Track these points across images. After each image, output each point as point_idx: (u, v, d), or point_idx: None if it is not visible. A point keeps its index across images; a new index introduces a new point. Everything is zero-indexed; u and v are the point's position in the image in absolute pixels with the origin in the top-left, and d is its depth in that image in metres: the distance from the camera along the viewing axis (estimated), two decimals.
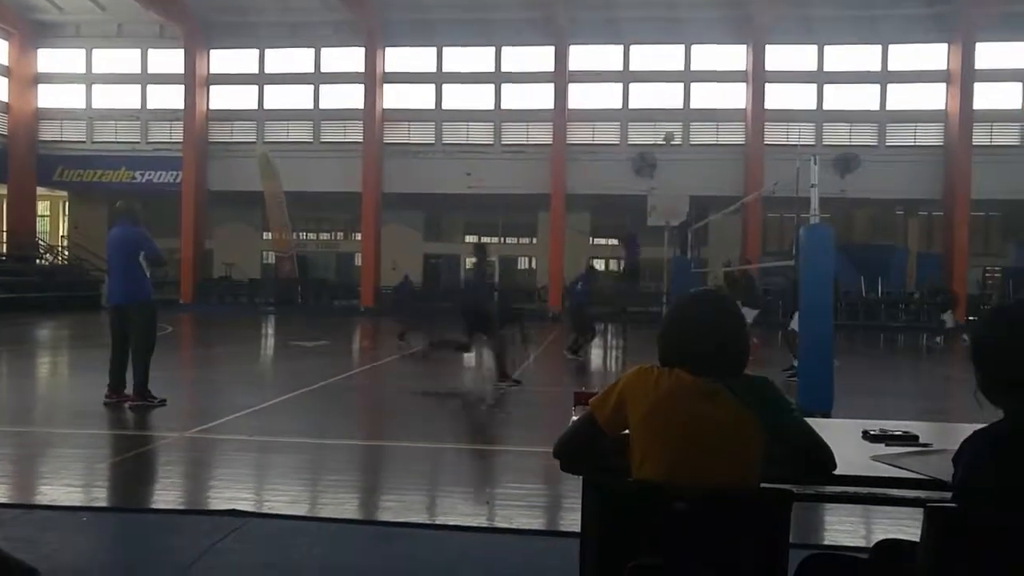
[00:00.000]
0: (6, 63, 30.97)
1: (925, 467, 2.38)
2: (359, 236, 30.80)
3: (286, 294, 30.24)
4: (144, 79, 31.58)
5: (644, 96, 29.52)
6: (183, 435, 7.03)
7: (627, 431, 2.23)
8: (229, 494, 5.17)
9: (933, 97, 28.50)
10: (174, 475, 6.02)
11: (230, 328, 22.06)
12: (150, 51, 31.45)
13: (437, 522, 4.74)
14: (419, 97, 30.39)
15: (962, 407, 9.70)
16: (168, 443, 6.85)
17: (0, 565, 1.55)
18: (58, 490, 5.31)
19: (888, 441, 2.75)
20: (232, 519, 4.45)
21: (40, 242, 33.41)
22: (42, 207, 34.95)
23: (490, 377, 10.61)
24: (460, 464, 6.47)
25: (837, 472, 2.26)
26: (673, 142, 27.98)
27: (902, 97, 28.75)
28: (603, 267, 30.34)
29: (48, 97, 31.97)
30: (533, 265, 34.20)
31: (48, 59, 31.86)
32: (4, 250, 31.34)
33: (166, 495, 5.45)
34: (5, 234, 31.90)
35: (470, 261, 14.72)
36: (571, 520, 4.40)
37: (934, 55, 28.40)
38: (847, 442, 2.66)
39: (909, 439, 2.76)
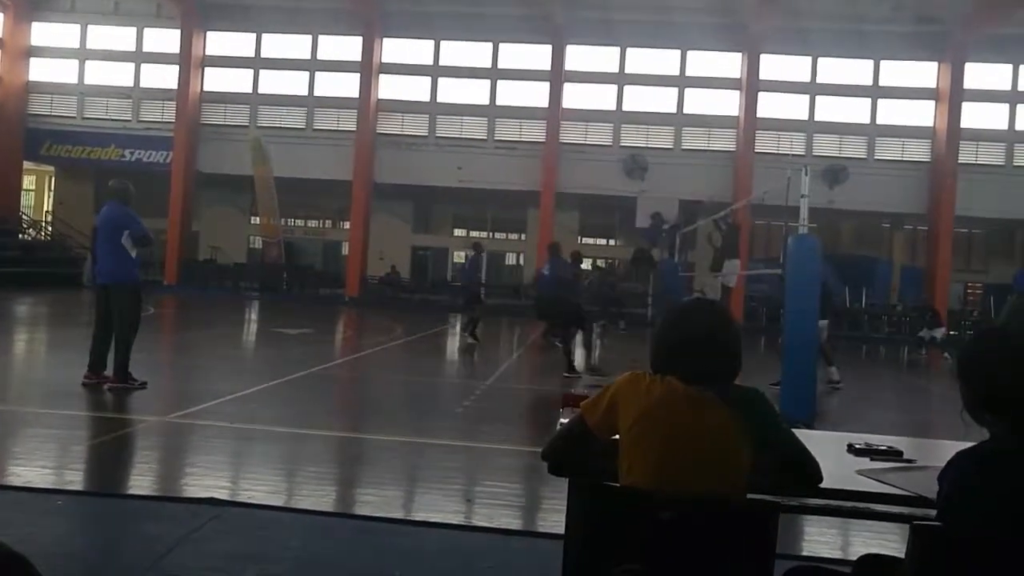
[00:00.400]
0: (0, 35, 30.67)
1: (909, 483, 2.39)
2: (347, 225, 30.71)
3: (271, 280, 30.09)
4: (138, 57, 31.29)
5: (638, 99, 29.54)
6: (162, 420, 6.98)
7: (617, 436, 2.23)
8: (207, 482, 5.13)
9: (922, 114, 28.72)
10: (152, 460, 5.97)
11: (213, 312, 21.93)
12: (146, 30, 31.18)
13: (416, 518, 4.72)
14: (414, 89, 30.30)
15: (944, 421, 9.78)
16: (147, 427, 6.79)
17: None
18: (32, 471, 5.20)
19: (873, 456, 2.76)
20: (210, 507, 4.41)
21: (24, 216, 33.08)
22: (27, 181, 34.57)
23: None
24: (442, 460, 6.45)
25: (822, 485, 2.26)
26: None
27: (892, 112, 28.94)
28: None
29: (40, 71, 31.61)
30: (521, 261, 34.20)
31: (42, 32, 31.48)
32: None
33: (143, 481, 5.40)
34: None
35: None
36: (553, 521, 4.40)
37: (924, 73, 28.61)
38: (832, 455, 2.67)
39: (893, 454, 2.78)
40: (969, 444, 1.90)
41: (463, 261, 15.85)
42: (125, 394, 7.84)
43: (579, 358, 11.98)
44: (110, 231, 8.11)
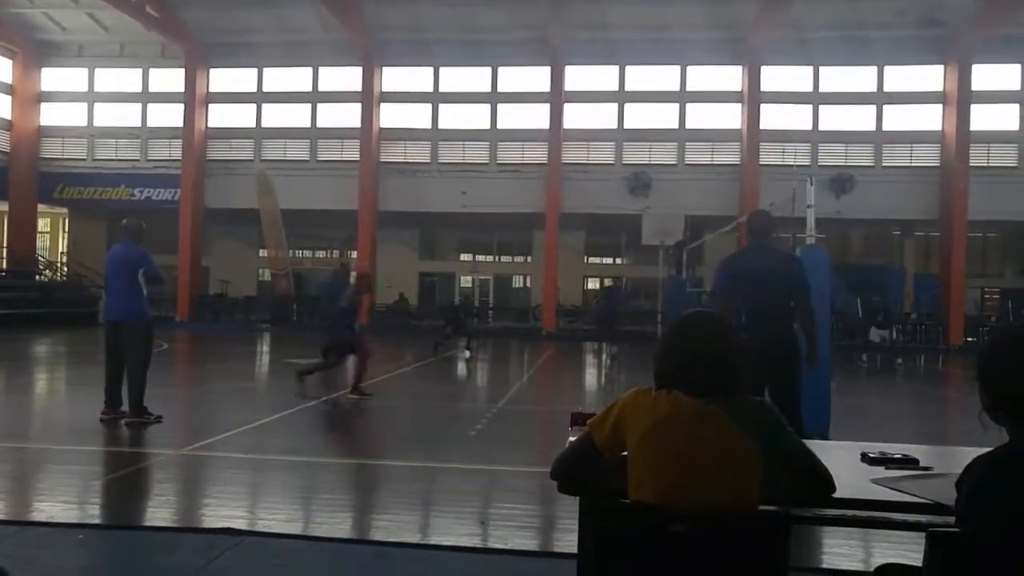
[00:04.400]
0: (9, 82, 31.12)
1: (926, 491, 2.37)
2: (355, 254, 30.82)
3: (282, 312, 30.16)
4: (145, 98, 31.71)
5: (639, 116, 29.62)
6: (179, 452, 7.00)
7: (625, 452, 2.22)
8: (224, 512, 5.15)
9: (929, 118, 28.60)
10: (169, 492, 5.98)
11: (225, 345, 21.99)
12: (151, 70, 31.61)
13: (432, 542, 4.72)
14: (415, 116, 30.50)
15: (959, 429, 9.70)
16: (164, 460, 6.81)
17: None
18: (55, 507, 5.27)
19: (888, 464, 2.74)
20: (228, 538, 4.43)
21: (40, 258, 33.38)
22: (42, 224, 34.92)
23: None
24: (456, 483, 6.43)
25: (837, 495, 2.25)
26: None
27: (898, 118, 28.85)
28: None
29: (50, 115, 32.07)
30: (528, 284, 34.21)
31: (51, 78, 31.99)
32: (4, 266, 31.27)
33: (161, 513, 5.41)
34: (5, 250, 31.86)
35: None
36: (567, 541, 4.38)
37: (930, 76, 28.53)
38: (846, 465, 2.65)
39: (909, 462, 2.76)
40: (986, 450, 1.88)
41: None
42: (142, 428, 7.91)
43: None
44: (124, 269, 8.23)
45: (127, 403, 8.15)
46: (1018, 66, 28.28)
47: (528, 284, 34.09)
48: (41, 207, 32.75)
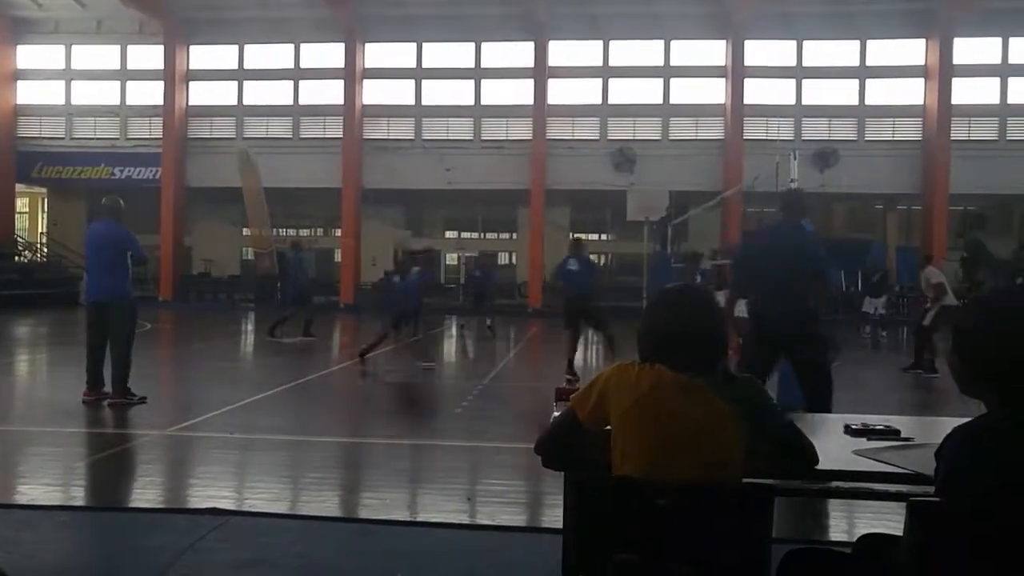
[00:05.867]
0: None
1: (907, 461, 2.39)
2: (339, 232, 30.69)
3: (266, 291, 30.02)
4: (124, 75, 31.28)
5: (624, 91, 29.52)
6: (163, 433, 6.98)
7: (608, 427, 2.22)
8: (209, 492, 5.14)
9: (911, 92, 28.67)
10: (154, 473, 5.97)
11: (210, 325, 21.92)
12: (130, 47, 31.12)
13: (418, 519, 4.74)
14: (399, 93, 30.28)
15: (941, 400, 9.80)
16: (148, 441, 6.80)
17: None
18: (37, 489, 5.27)
19: (870, 435, 2.76)
20: (213, 517, 4.42)
21: (19, 239, 33.03)
22: (21, 204, 34.56)
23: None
24: (441, 460, 6.45)
25: (819, 467, 2.26)
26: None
27: (881, 92, 28.90)
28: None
29: (27, 93, 31.58)
30: (514, 260, 34.18)
31: (27, 55, 31.46)
32: None
33: (146, 493, 5.41)
34: None
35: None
36: (553, 516, 4.40)
37: (912, 51, 28.56)
38: (829, 436, 2.67)
39: (891, 433, 2.78)
40: (965, 420, 1.89)
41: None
42: (125, 409, 7.86)
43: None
44: (108, 249, 8.14)
45: (109, 384, 8.09)
46: (999, 40, 28.34)
47: (514, 261, 34.06)
48: (19, 187, 32.32)
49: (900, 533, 1.86)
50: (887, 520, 4.19)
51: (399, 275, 13.81)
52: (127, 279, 8.25)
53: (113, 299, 8.12)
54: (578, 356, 11.03)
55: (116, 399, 8.01)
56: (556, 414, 2.51)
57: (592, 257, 14.01)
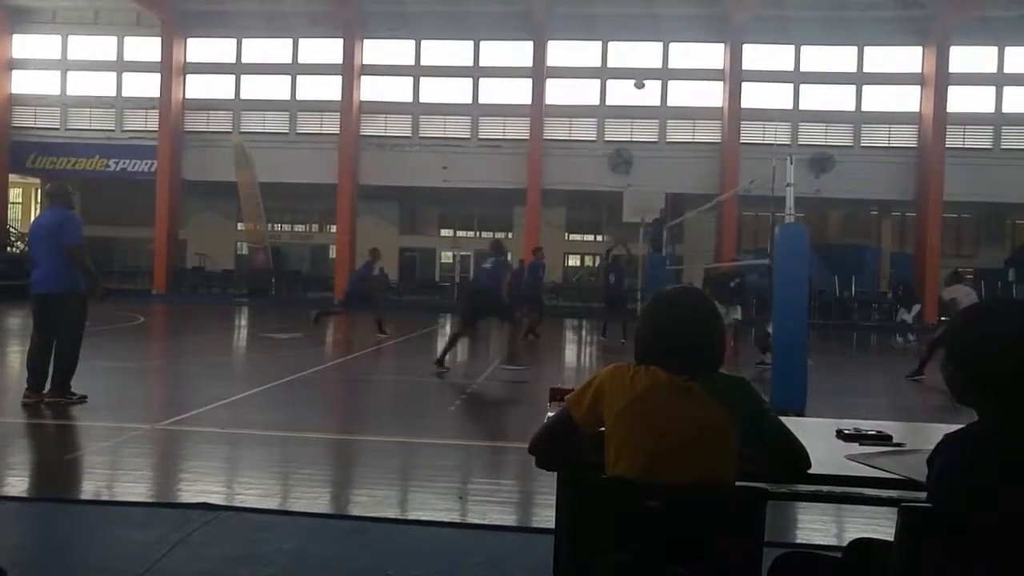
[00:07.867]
0: None
1: (899, 467, 2.39)
2: (334, 228, 30.67)
3: (259, 286, 30.01)
4: (120, 67, 31.23)
5: (621, 93, 29.57)
6: (154, 427, 6.95)
7: (603, 428, 2.23)
8: (200, 487, 5.13)
9: (908, 99, 28.81)
10: (145, 467, 5.95)
11: (203, 319, 21.87)
12: (127, 39, 31.10)
13: (410, 517, 4.73)
14: (396, 90, 30.29)
15: (933, 406, 9.83)
16: (139, 435, 6.77)
17: None
18: (24, 481, 5.24)
19: (862, 440, 2.76)
20: (203, 512, 4.42)
21: (12, 229, 32.90)
22: (14, 194, 34.44)
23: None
24: (434, 458, 6.44)
25: (812, 471, 2.26)
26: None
27: (877, 99, 29.05)
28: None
29: (22, 83, 31.52)
30: (509, 259, 34.15)
31: (23, 45, 31.41)
32: None
33: (136, 488, 5.38)
34: None
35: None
36: (545, 516, 4.40)
37: (909, 58, 28.71)
38: (821, 441, 2.67)
39: (883, 439, 2.78)
40: (958, 426, 1.89)
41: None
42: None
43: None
44: (50, 238, 7.49)
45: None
46: (995, 49, 28.51)
47: (509, 259, 34.02)
48: (13, 177, 32.30)
49: (890, 538, 1.87)
50: (877, 525, 4.21)
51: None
52: (75, 270, 7.50)
53: (59, 291, 7.46)
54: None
55: (54, 397, 7.49)
56: (551, 414, 2.51)
57: (510, 258, 14.63)
